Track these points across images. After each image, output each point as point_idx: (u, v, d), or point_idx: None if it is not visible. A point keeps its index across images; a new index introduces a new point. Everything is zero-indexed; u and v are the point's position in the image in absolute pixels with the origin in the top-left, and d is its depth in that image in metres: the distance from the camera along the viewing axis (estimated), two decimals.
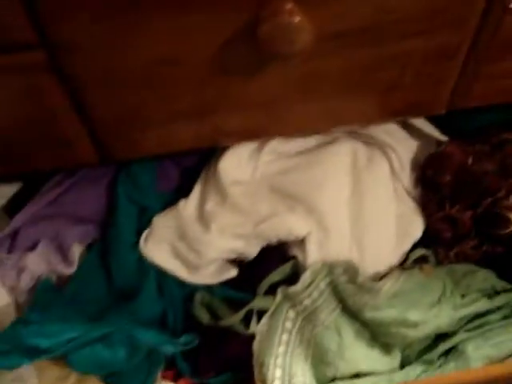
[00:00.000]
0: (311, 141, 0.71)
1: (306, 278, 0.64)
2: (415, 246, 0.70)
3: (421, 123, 0.72)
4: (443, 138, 0.71)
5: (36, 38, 0.45)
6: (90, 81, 0.49)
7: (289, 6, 0.43)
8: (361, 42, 0.48)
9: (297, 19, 0.42)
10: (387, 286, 0.63)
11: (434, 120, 0.73)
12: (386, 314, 0.63)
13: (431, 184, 0.69)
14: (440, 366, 0.64)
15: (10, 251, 0.68)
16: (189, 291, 0.68)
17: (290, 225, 0.64)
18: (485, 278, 0.69)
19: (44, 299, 0.64)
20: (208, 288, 0.68)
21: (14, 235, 0.69)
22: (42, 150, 0.57)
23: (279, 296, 0.64)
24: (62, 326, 0.59)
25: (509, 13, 0.48)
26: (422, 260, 0.69)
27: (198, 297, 0.67)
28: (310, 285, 0.64)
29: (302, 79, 0.52)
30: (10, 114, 0.52)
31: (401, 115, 0.62)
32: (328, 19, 0.46)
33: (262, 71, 0.50)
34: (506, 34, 0.50)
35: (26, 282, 0.67)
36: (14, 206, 0.81)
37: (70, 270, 0.67)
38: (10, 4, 0.41)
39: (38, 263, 0.66)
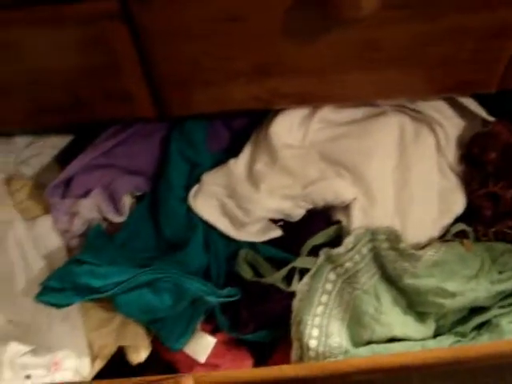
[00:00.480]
0: (360, 112, 0.72)
1: (349, 241, 0.65)
2: (456, 222, 0.71)
3: (468, 102, 0.72)
4: (490, 118, 0.71)
5: None
6: (158, 33, 0.50)
7: None
8: (423, 14, 0.49)
9: None
10: (428, 254, 0.65)
11: (481, 100, 0.73)
12: (425, 282, 0.64)
13: (476, 161, 0.70)
14: (473, 338, 0.65)
15: (63, 197, 0.71)
16: (233, 248, 0.70)
17: (338, 189, 0.66)
18: None
19: (95, 243, 0.67)
20: (252, 245, 0.70)
21: (68, 182, 0.72)
22: (103, 101, 0.59)
23: (322, 257, 0.65)
24: (113, 269, 0.61)
25: None
26: (462, 235, 0.70)
27: (242, 253, 0.69)
28: (352, 248, 0.65)
29: (360, 47, 0.53)
30: (76, 63, 0.54)
31: (451, 92, 0.63)
32: None
33: (324, 37, 0.51)
34: None
35: (77, 226, 0.69)
36: (65, 157, 0.84)
37: (120, 219, 0.70)
38: None
39: (90, 209, 0.69)
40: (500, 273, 0.68)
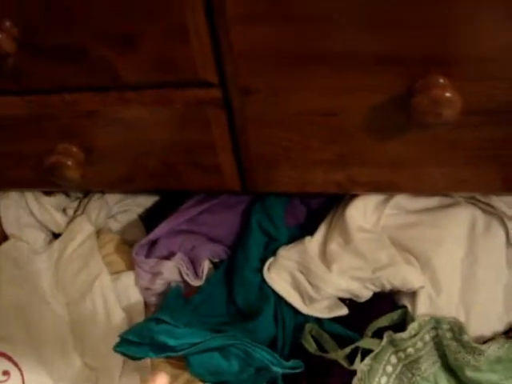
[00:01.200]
0: (433, 201, 0.75)
1: (412, 327, 0.67)
2: None
3: None
4: None
5: (216, 78, 0.52)
6: (254, 121, 0.55)
7: (441, 80, 0.47)
8: (498, 120, 0.52)
9: (447, 94, 0.46)
10: (491, 349, 0.65)
11: None
12: (487, 377, 0.65)
13: None
14: None
15: (147, 256, 0.76)
16: (300, 320, 0.73)
17: (406, 276, 0.68)
18: None
19: (173, 304, 0.71)
20: (318, 321, 0.73)
21: (153, 243, 0.78)
22: (194, 173, 0.64)
23: (385, 340, 0.67)
24: (188, 330, 0.65)
25: None
26: None
27: (308, 327, 0.71)
28: (415, 335, 0.67)
29: (438, 145, 0.55)
30: (174, 138, 0.59)
31: None
32: (477, 97, 0.49)
33: (405, 134, 0.54)
34: None
35: (158, 286, 0.75)
36: (149, 215, 0.91)
37: (198, 283, 0.74)
38: (203, 45, 0.49)
39: (172, 271, 0.74)
40: None
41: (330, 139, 0.56)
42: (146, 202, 0.91)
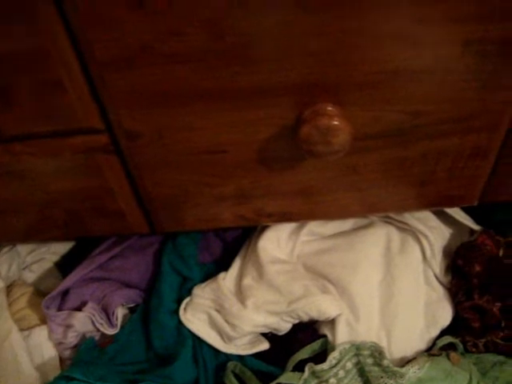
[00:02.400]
0: (347, 223, 0.75)
1: (333, 357, 0.66)
2: (444, 333, 0.71)
3: (454, 212, 0.74)
4: (476, 226, 0.73)
5: (102, 124, 0.50)
6: (145, 164, 0.54)
7: (329, 108, 0.47)
8: (394, 142, 0.52)
9: (335, 122, 0.45)
10: (412, 371, 0.64)
11: (468, 208, 0.75)
12: None
13: (461, 273, 0.70)
14: None
15: (59, 308, 0.73)
16: (222, 359, 0.71)
17: (321, 306, 0.67)
18: None
19: (85, 357, 0.68)
20: (240, 358, 0.71)
21: (64, 294, 0.74)
22: (99, 219, 0.62)
23: (306, 373, 0.65)
24: None
25: None
26: (449, 347, 0.69)
27: (231, 365, 0.70)
28: (336, 364, 0.66)
29: (339, 171, 0.55)
30: (70, 187, 0.57)
31: (434, 206, 0.63)
32: (368, 122, 0.50)
33: (302, 163, 0.54)
34: None
35: (71, 339, 0.71)
36: (66, 262, 0.87)
37: (112, 331, 0.71)
38: (81, 94, 0.47)
39: (84, 323, 0.70)
40: None
41: (225, 175, 0.55)
42: (61, 248, 0.88)
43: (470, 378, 0.66)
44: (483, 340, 0.70)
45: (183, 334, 0.70)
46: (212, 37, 0.42)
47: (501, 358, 0.70)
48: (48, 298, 0.72)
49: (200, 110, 0.48)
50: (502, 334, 0.69)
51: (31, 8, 0.41)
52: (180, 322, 0.70)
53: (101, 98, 0.48)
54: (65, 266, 0.87)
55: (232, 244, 0.77)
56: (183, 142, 0.51)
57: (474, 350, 0.71)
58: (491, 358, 0.70)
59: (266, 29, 0.42)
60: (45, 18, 0.42)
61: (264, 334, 0.73)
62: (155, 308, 0.71)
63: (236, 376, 0.69)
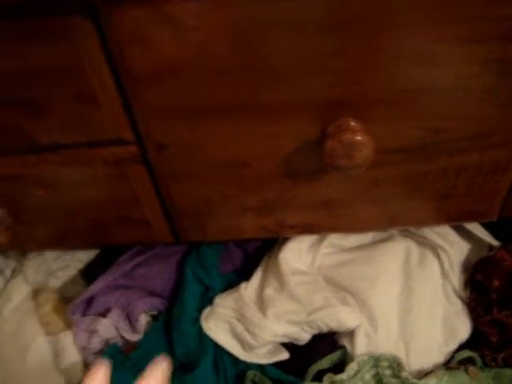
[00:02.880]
0: (367, 237, 0.76)
1: (351, 368, 0.67)
2: (462, 347, 0.71)
3: (473, 227, 0.75)
4: (495, 242, 0.74)
5: (132, 136, 0.52)
6: (172, 175, 0.55)
7: (352, 124, 0.48)
8: (415, 157, 0.52)
9: (358, 138, 0.46)
10: (430, 383, 0.65)
11: (488, 223, 0.75)
12: None
13: (480, 288, 0.71)
14: None
15: (84, 314, 0.75)
16: (241, 367, 0.72)
17: (341, 318, 0.68)
18: None
19: (111, 362, 0.69)
20: (260, 367, 0.72)
21: (89, 300, 0.76)
22: (124, 228, 0.63)
23: (325, 383, 0.66)
24: None
25: None
26: (468, 361, 0.70)
27: (250, 374, 0.70)
28: (355, 375, 0.67)
29: (361, 184, 0.56)
30: (99, 195, 0.59)
31: (454, 221, 0.64)
32: (391, 137, 0.51)
33: (324, 176, 0.55)
34: None
35: (95, 344, 0.73)
36: (90, 270, 0.89)
37: (135, 337, 0.73)
38: (114, 107, 0.49)
39: (108, 329, 0.72)
40: None
41: (248, 187, 0.56)
42: (85, 256, 0.90)
43: None
44: (502, 354, 0.70)
45: (204, 342, 0.71)
46: (238, 52, 0.44)
47: None
48: (74, 303, 0.74)
49: (225, 124, 0.50)
50: None
51: (68, 23, 0.43)
52: (201, 331, 0.72)
53: (132, 110, 0.50)
54: (89, 273, 0.89)
55: (253, 255, 0.78)
56: (209, 153, 0.52)
57: (492, 364, 0.71)
58: (510, 372, 0.70)
59: (290, 47, 0.43)
60: (81, 32, 0.43)
61: (284, 344, 0.74)
62: (178, 316, 0.73)
63: None
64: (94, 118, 0.50)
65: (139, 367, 0.68)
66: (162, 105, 0.48)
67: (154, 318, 0.77)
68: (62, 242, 0.68)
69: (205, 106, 0.48)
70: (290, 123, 0.49)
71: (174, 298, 0.76)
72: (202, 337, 0.71)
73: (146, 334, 0.74)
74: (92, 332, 0.72)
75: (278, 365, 0.72)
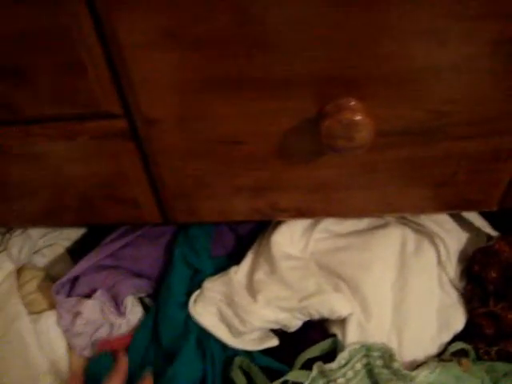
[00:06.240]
0: (363, 223, 0.74)
1: (342, 357, 0.65)
2: (456, 338, 0.70)
3: (472, 216, 0.73)
4: (494, 232, 0.71)
5: (120, 109, 0.50)
6: (163, 151, 0.53)
7: (352, 103, 0.46)
8: (415, 141, 0.50)
9: (358, 117, 0.44)
10: (422, 375, 0.63)
11: (487, 213, 0.73)
12: None
13: (477, 279, 0.69)
14: None
15: (69, 295, 0.73)
16: (230, 353, 0.70)
17: (333, 305, 0.66)
18: None
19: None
20: (248, 354, 0.70)
21: (74, 281, 0.74)
22: (112, 206, 0.61)
23: (314, 371, 0.65)
24: None
25: None
26: (461, 353, 0.68)
27: (238, 361, 0.69)
28: (346, 364, 0.65)
29: (359, 168, 0.54)
30: (85, 172, 0.57)
31: (453, 209, 0.62)
32: (392, 118, 0.48)
33: (321, 158, 0.52)
34: None
35: (79, 326, 0.71)
36: (77, 248, 0.87)
37: (121, 320, 0.71)
38: (101, 77, 0.47)
39: (93, 310, 0.70)
40: None
41: (242, 167, 0.54)
42: (73, 234, 0.88)
43: None
44: (496, 348, 0.69)
45: (188, 327, 0.69)
46: (236, 24, 0.41)
47: None
48: (58, 283, 0.72)
49: (219, 99, 0.47)
50: None
51: None
52: (189, 316, 0.70)
53: (121, 82, 0.47)
54: (76, 252, 0.87)
55: (245, 238, 0.76)
56: (201, 130, 0.50)
57: (486, 357, 0.69)
58: (504, 366, 0.68)
59: (291, 19, 0.41)
60: None
61: (273, 331, 0.72)
62: (164, 301, 0.71)
63: (243, 371, 0.69)
64: (80, 88, 0.48)
65: (131, 365, 0.66)
66: (152, 77, 0.46)
67: (142, 301, 0.75)
68: (48, 219, 0.65)
69: (198, 79, 0.46)
70: (287, 100, 0.47)
71: (162, 281, 0.73)
72: (188, 322, 0.69)
73: (137, 328, 0.71)
74: (76, 314, 0.70)
75: (266, 352, 0.70)
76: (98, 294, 0.70)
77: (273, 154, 0.52)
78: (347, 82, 0.46)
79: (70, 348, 0.72)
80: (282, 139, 0.51)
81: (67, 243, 0.87)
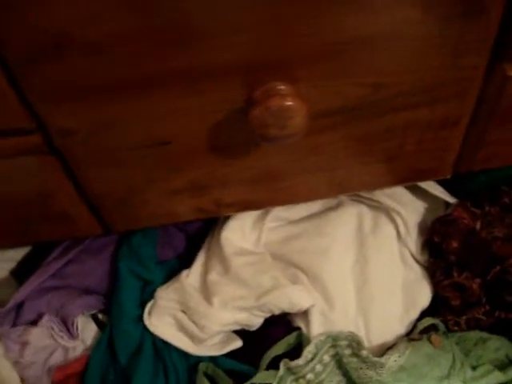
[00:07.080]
0: (316, 205, 0.71)
1: (308, 351, 0.62)
2: (423, 314, 0.68)
3: (428, 185, 0.71)
4: (452, 199, 0.70)
5: (32, 124, 0.45)
6: (85, 161, 0.49)
7: (282, 87, 0.43)
8: (356, 117, 0.48)
9: (288, 103, 0.41)
10: (392, 359, 0.61)
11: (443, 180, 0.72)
12: None
13: (438, 250, 0.67)
14: None
15: (14, 324, 0.68)
16: (193, 361, 0.67)
17: (292, 297, 0.63)
18: (498, 346, 0.66)
19: None
20: (212, 358, 0.67)
21: (19, 308, 0.69)
22: (46, 224, 0.57)
23: (282, 370, 0.62)
24: None
25: (509, 81, 0.47)
26: (431, 329, 0.67)
27: (202, 367, 0.66)
28: (313, 358, 0.62)
29: (301, 153, 0.51)
30: (11, 192, 0.53)
31: (406, 181, 0.61)
32: (323, 98, 0.46)
33: (257, 149, 0.50)
34: (507, 102, 0.49)
35: (29, 356, 0.66)
36: (23, 269, 0.82)
37: (74, 343, 0.67)
38: (3, 92, 0.42)
39: (42, 337, 0.66)
40: (474, 368, 0.64)
41: (173, 168, 0.51)
42: (16, 255, 0.83)
43: (453, 360, 0.64)
44: (465, 317, 0.68)
45: (142, 343, 0.65)
46: (137, 19, 0.37)
47: (483, 334, 0.68)
48: (0, 313, 0.67)
49: (135, 100, 0.43)
50: (483, 309, 0.67)
51: None
52: (145, 330, 0.66)
53: (25, 94, 0.43)
54: (22, 273, 0.82)
55: (196, 237, 0.72)
56: (119, 136, 0.46)
57: (455, 328, 0.68)
58: (474, 335, 0.68)
59: (204, 3, 0.37)
60: None
61: (236, 331, 0.69)
62: (117, 318, 0.66)
63: (208, 377, 0.65)
64: None
65: None
66: (56, 87, 0.42)
67: (95, 318, 0.70)
68: None
69: (104, 84, 0.42)
70: (210, 92, 0.44)
71: (111, 296, 0.69)
72: (144, 336, 0.66)
73: (92, 351, 0.67)
74: (24, 343, 0.66)
75: (232, 354, 0.67)
76: (45, 319, 0.66)
77: (205, 151, 0.49)
78: (274, 65, 0.42)
79: (23, 381, 0.68)
80: (213, 134, 0.48)
81: (11, 265, 0.82)
